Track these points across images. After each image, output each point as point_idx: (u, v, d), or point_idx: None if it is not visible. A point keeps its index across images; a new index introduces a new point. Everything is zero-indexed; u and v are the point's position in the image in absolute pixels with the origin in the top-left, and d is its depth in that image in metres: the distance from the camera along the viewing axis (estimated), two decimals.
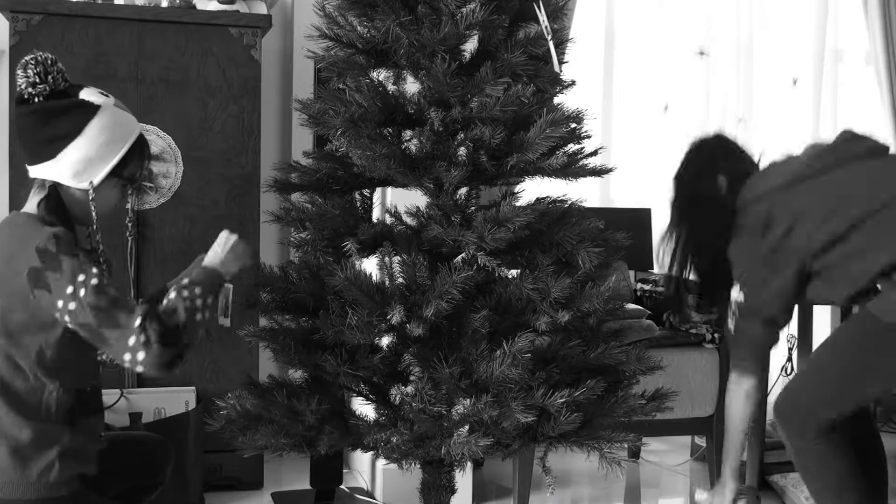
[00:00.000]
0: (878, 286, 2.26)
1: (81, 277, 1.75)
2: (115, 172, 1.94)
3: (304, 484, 3.12)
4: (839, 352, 2.34)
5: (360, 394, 2.17)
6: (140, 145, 1.98)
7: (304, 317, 2.13)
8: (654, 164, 4.32)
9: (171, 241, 3.06)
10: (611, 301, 2.11)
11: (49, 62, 1.91)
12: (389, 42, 2.09)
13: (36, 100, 1.89)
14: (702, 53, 4.42)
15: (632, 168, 4.22)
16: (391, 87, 2.16)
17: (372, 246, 2.12)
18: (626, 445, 2.40)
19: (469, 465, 2.69)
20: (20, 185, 2.96)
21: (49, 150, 1.91)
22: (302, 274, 2.13)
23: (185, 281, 1.88)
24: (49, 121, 1.90)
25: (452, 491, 2.24)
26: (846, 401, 2.30)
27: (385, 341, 2.13)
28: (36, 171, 1.95)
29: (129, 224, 3.00)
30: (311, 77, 3.57)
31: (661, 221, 3.93)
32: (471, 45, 2.15)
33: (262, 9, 3.22)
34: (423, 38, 2.05)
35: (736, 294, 2.38)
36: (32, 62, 1.89)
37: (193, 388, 3.04)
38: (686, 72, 4.38)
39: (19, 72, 1.89)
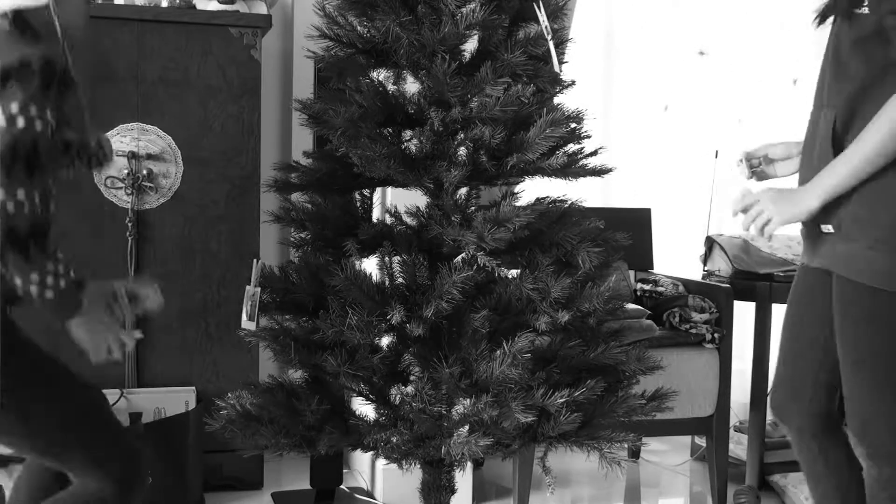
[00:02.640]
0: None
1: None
2: None
3: (304, 484, 3.12)
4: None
5: (360, 394, 2.17)
6: None
7: (304, 317, 2.13)
8: (654, 164, 4.32)
9: (171, 241, 3.06)
10: (611, 301, 2.11)
11: None
12: (389, 42, 2.09)
13: None
14: (702, 53, 4.42)
15: (632, 168, 4.22)
16: (391, 87, 2.16)
17: (372, 246, 2.12)
18: (626, 445, 2.40)
19: (469, 465, 2.69)
20: None
21: None
22: (302, 274, 2.13)
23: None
24: None
25: (452, 491, 2.24)
26: None
27: (385, 341, 2.13)
28: None
29: (129, 224, 3.00)
30: (311, 77, 3.58)
31: (661, 221, 3.94)
32: (471, 45, 2.15)
33: (262, 9, 3.22)
34: (423, 38, 2.05)
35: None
36: None
37: (193, 388, 3.04)
38: (686, 72, 4.38)
39: None
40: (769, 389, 2.33)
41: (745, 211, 2.06)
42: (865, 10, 1.92)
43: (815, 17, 2.14)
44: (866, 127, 1.88)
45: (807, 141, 2.10)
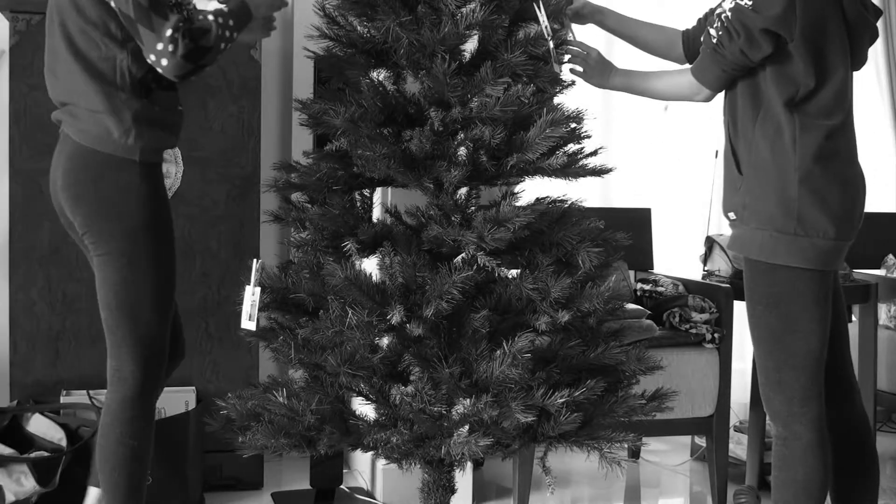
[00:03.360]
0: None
1: None
2: None
3: (304, 484, 3.12)
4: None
5: (360, 394, 2.17)
6: None
7: (304, 317, 2.13)
8: (654, 164, 4.32)
9: None
10: (611, 301, 2.11)
11: None
12: (389, 42, 2.09)
13: None
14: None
15: (632, 168, 4.22)
16: (391, 87, 2.16)
17: (372, 246, 2.13)
18: (626, 445, 2.40)
19: (469, 465, 2.69)
20: (20, 185, 2.96)
21: None
22: (302, 274, 2.13)
23: (223, 7, 2.07)
24: None
25: (452, 491, 2.24)
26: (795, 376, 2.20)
27: (385, 341, 2.13)
28: None
29: None
30: (311, 77, 3.57)
31: (661, 221, 3.94)
32: (471, 45, 2.15)
33: None
34: (423, 38, 2.05)
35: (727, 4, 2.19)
36: None
37: (193, 388, 3.04)
38: None
39: None
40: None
41: (572, 56, 2.37)
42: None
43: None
44: (668, 70, 2.49)
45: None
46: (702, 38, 2.29)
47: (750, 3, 2.13)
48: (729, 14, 2.16)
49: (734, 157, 2.27)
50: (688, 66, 2.37)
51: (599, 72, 2.41)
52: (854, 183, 2.26)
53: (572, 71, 2.38)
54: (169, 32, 1.96)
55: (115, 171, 2.12)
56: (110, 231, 2.12)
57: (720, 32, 2.18)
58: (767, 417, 2.35)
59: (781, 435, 2.24)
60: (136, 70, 2.10)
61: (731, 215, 2.28)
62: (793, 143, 2.16)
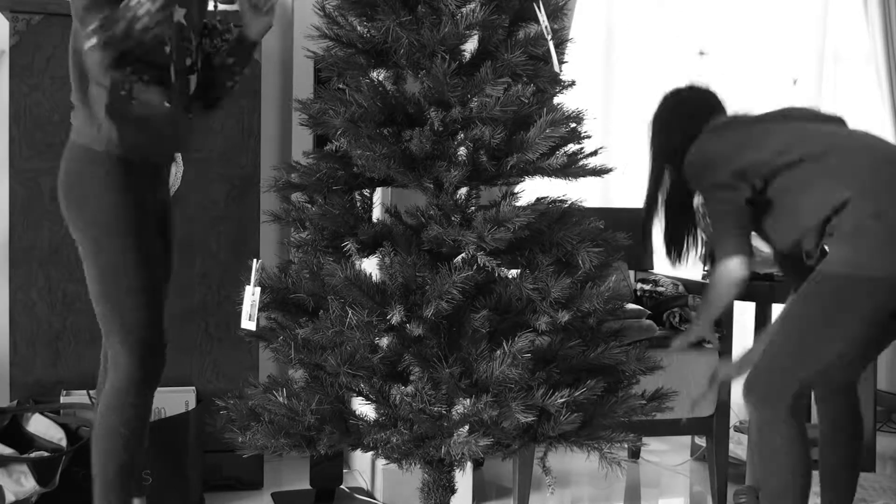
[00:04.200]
0: (824, 246, 2.37)
1: None
2: None
3: (304, 484, 3.12)
4: (796, 319, 2.36)
5: (360, 394, 2.17)
6: None
7: (304, 317, 2.13)
8: None
9: None
10: (611, 301, 2.11)
11: None
12: (389, 42, 2.09)
13: None
14: (702, 53, 4.41)
15: (632, 168, 4.22)
16: (391, 87, 2.16)
17: (372, 246, 2.12)
18: (626, 445, 2.40)
19: (469, 465, 2.69)
20: (20, 185, 2.96)
21: None
22: (302, 274, 2.13)
23: None
24: None
25: (452, 491, 2.24)
26: (807, 367, 2.30)
27: (385, 341, 2.13)
28: None
29: None
30: (311, 77, 3.57)
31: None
32: (471, 45, 2.15)
33: None
34: (423, 38, 2.05)
35: (698, 201, 2.45)
36: None
37: (193, 388, 3.04)
38: (686, 72, 4.38)
39: None
40: None
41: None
42: None
43: None
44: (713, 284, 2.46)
45: None
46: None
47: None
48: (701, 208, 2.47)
49: None
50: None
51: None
52: None
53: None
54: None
55: (88, 164, 2.16)
56: (83, 221, 2.17)
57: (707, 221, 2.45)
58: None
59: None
60: (104, 61, 2.09)
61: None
62: None
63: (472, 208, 2.15)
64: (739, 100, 4.48)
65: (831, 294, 2.25)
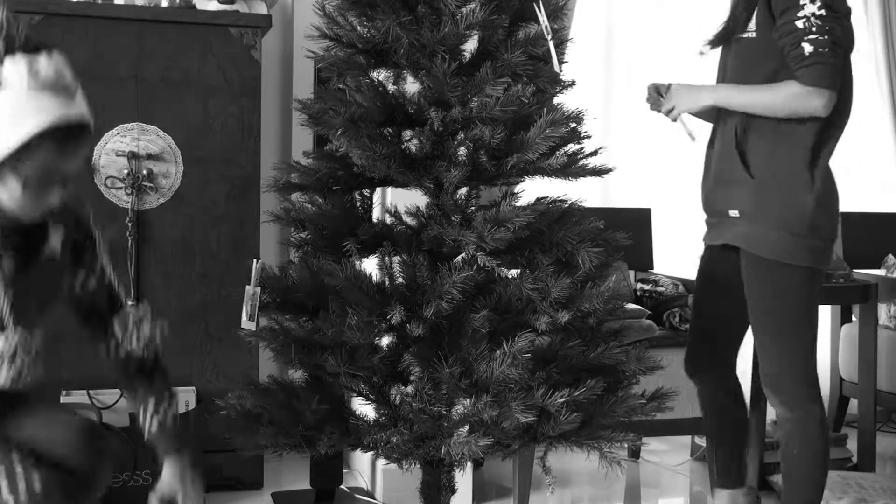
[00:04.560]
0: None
1: None
2: (8, 164, 1.66)
3: (304, 484, 3.12)
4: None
5: (360, 394, 2.17)
6: (65, 136, 1.68)
7: (304, 317, 2.13)
8: (654, 164, 4.32)
9: (171, 241, 3.06)
10: (611, 301, 2.11)
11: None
12: (389, 42, 2.09)
13: None
14: (702, 53, 4.41)
15: (632, 168, 4.22)
16: (391, 87, 2.16)
17: (372, 246, 2.12)
18: (626, 445, 2.40)
19: (469, 465, 2.69)
20: None
21: None
22: (302, 274, 2.13)
23: None
24: None
25: (452, 491, 2.24)
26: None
27: (385, 341, 2.13)
28: None
29: (129, 224, 3.00)
30: (311, 77, 3.57)
31: (661, 221, 3.94)
32: (471, 45, 2.15)
33: (262, 9, 3.22)
34: (423, 38, 2.05)
35: (814, 9, 2.21)
36: None
37: (193, 388, 3.04)
38: (686, 72, 4.37)
39: None
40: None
41: (653, 102, 2.55)
42: (752, 35, 2.36)
43: (707, 44, 2.66)
44: (768, 85, 2.31)
45: (708, 149, 2.59)
46: (792, 55, 2.25)
47: (823, 10, 2.22)
48: (811, 18, 2.21)
49: (742, 158, 2.37)
50: (785, 82, 2.29)
51: (687, 93, 2.49)
52: (836, 189, 2.42)
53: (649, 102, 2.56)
54: None
55: None
56: None
57: (813, 34, 2.21)
58: (773, 408, 2.48)
59: (795, 416, 2.41)
60: None
61: (734, 212, 2.40)
62: (812, 154, 2.32)
63: (472, 208, 2.15)
64: None
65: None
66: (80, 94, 1.74)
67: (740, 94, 2.37)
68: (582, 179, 2.20)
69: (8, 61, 1.66)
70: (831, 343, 3.92)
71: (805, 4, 2.22)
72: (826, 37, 2.21)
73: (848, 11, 2.29)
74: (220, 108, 3.09)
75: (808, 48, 2.22)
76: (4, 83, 1.66)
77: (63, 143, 1.69)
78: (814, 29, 2.21)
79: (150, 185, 3.03)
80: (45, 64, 1.69)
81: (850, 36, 2.31)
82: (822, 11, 2.21)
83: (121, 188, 3.01)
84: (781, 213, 2.33)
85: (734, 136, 2.40)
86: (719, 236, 2.50)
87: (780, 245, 2.32)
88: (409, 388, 2.12)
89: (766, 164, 2.34)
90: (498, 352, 1.98)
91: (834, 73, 2.23)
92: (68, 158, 1.72)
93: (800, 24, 2.22)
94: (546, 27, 2.13)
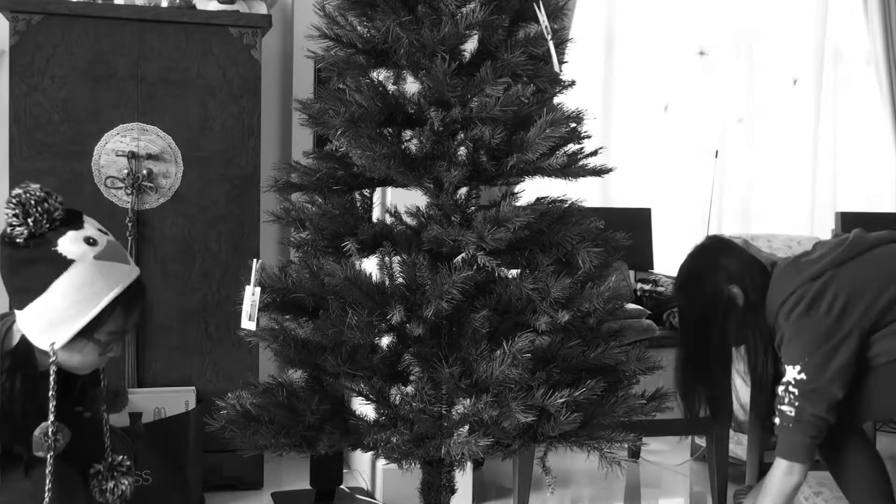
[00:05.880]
0: None
1: None
2: (84, 334, 1.77)
3: (304, 484, 3.12)
4: None
5: (360, 394, 2.17)
6: (122, 302, 1.80)
7: (304, 317, 2.13)
8: (654, 164, 4.32)
9: (171, 241, 3.06)
10: (611, 301, 2.11)
11: (32, 202, 1.73)
12: (389, 42, 2.09)
13: (17, 240, 1.73)
14: (702, 53, 4.42)
15: (632, 168, 4.22)
16: (391, 87, 2.16)
17: (372, 246, 2.12)
18: (626, 445, 2.40)
19: (469, 465, 2.69)
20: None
21: (17, 300, 1.78)
22: (302, 274, 2.13)
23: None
24: (18, 270, 1.75)
25: (452, 491, 2.24)
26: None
27: (385, 341, 2.13)
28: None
29: (129, 224, 3.00)
30: (311, 77, 3.58)
31: (661, 221, 3.94)
32: (471, 45, 2.14)
33: (262, 9, 3.22)
34: (423, 38, 2.05)
35: (794, 374, 2.33)
36: (14, 200, 1.75)
37: (193, 388, 3.04)
38: (686, 72, 4.38)
39: (5, 205, 1.75)
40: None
41: None
42: None
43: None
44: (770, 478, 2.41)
45: None
46: (775, 421, 2.38)
47: (804, 375, 2.31)
48: (795, 389, 2.32)
49: None
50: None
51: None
52: None
53: None
54: None
55: None
56: None
57: (796, 404, 2.32)
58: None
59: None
60: None
61: None
62: None
63: (472, 208, 2.15)
64: (739, 100, 4.50)
65: None
66: (128, 254, 1.86)
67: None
68: (582, 179, 2.19)
69: (64, 239, 1.75)
70: None
71: (788, 369, 2.34)
72: (792, 411, 2.31)
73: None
74: (220, 108, 3.09)
75: (777, 419, 2.36)
76: (71, 258, 1.74)
77: (130, 304, 1.80)
78: (785, 400, 2.33)
79: (150, 185, 3.03)
80: (95, 232, 1.79)
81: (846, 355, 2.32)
82: (802, 376, 2.30)
83: (121, 188, 3.01)
84: None
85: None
86: None
87: None
88: (409, 388, 2.12)
89: None
90: (498, 352, 1.98)
91: (802, 439, 2.32)
92: (133, 316, 1.83)
93: (780, 389, 2.35)
94: (546, 27, 2.13)
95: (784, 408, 2.34)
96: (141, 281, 1.85)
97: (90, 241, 1.77)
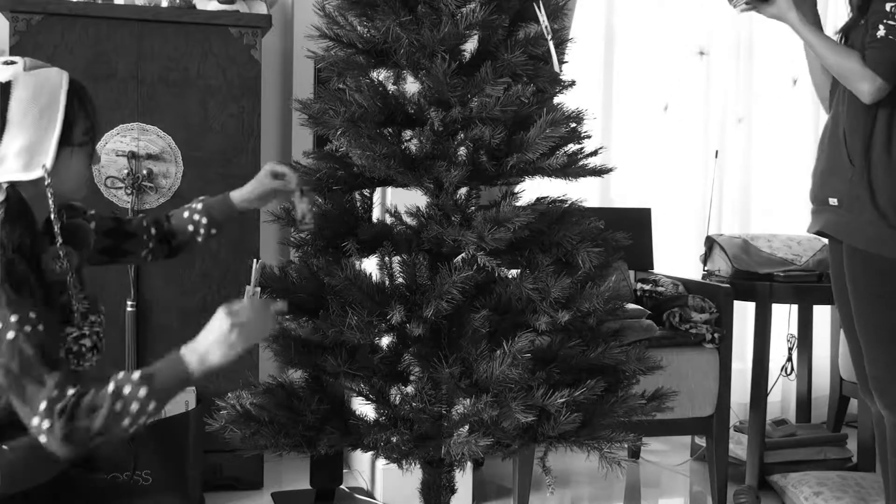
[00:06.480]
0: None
1: (13, 318, 1.57)
2: (64, 142, 1.72)
3: (304, 484, 3.12)
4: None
5: (360, 394, 2.17)
6: (74, 95, 1.75)
7: (304, 317, 2.13)
8: (654, 164, 4.32)
9: None
10: (611, 301, 2.11)
11: None
12: (389, 42, 2.09)
13: None
14: (702, 53, 4.41)
15: (632, 168, 4.22)
16: (391, 87, 2.16)
17: (372, 246, 2.12)
18: (626, 445, 2.40)
19: (469, 465, 2.69)
20: None
21: None
22: (302, 274, 2.13)
23: (138, 375, 1.61)
24: None
25: (452, 491, 2.24)
26: None
27: (385, 341, 2.13)
28: None
29: None
30: (311, 77, 3.58)
31: (661, 221, 3.94)
32: (471, 45, 2.15)
33: (262, 9, 3.22)
34: (423, 38, 2.05)
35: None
36: None
37: (193, 388, 3.04)
38: (686, 72, 4.38)
39: None
40: (769, 389, 2.64)
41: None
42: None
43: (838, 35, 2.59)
44: (845, 48, 2.40)
45: (824, 131, 2.57)
46: (866, 41, 2.36)
47: None
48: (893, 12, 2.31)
49: (845, 145, 2.40)
50: (856, 54, 2.38)
51: (784, 2, 2.45)
52: None
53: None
54: (43, 406, 1.54)
55: None
56: None
57: (893, 21, 2.29)
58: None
59: (891, 422, 2.47)
60: None
61: (833, 201, 2.45)
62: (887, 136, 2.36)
63: (472, 208, 2.15)
64: (739, 100, 4.50)
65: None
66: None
67: (816, 39, 2.41)
68: (582, 179, 2.19)
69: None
70: (831, 343, 3.92)
71: None
72: (892, 23, 2.26)
73: None
74: (220, 108, 3.09)
75: (881, 31, 2.29)
76: (7, 80, 1.71)
77: (82, 96, 1.77)
78: (883, 22, 2.28)
79: (150, 185, 3.03)
80: (9, 57, 1.76)
81: None
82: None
83: (121, 188, 3.01)
84: (882, 204, 2.33)
85: (840, 117, 2.42)
86: (815, 224, 2.52)
87: (881, 238, 2.33)
88: (409, 388, 2.12)
89: (864, 151, 2.36)
90: (498, 352, 1.98)
91: (891, 56, 2.27)
92: (90, 108, 1.79)
93: (889, 6, 2.29)
94: (546, 27, 2.13)
95: (880, 28, 2.30)
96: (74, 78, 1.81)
97: (10, 62, 1.73)
